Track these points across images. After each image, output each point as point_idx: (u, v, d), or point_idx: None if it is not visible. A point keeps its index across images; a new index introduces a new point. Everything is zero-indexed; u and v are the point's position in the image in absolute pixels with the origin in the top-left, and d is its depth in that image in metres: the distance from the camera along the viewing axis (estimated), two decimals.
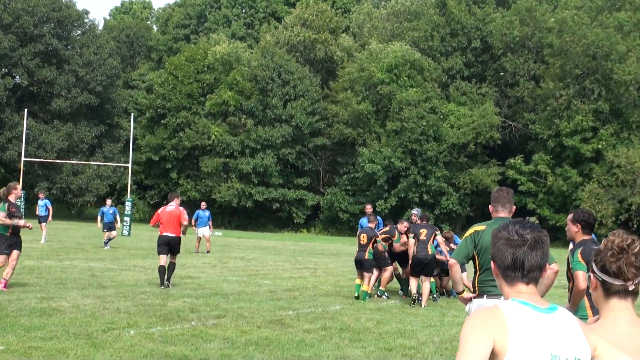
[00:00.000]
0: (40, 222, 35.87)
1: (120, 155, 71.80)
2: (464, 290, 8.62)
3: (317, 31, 75.08)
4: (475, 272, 8.45)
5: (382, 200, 64.08)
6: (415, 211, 21.77)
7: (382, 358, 11.95)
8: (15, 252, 17.94)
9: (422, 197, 64.69)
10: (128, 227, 49.78)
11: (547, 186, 62.48)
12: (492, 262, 3.63)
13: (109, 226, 34.58)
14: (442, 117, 65.89)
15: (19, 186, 18.74)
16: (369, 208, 24.36)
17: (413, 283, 19.29)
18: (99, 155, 71.59)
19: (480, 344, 3.28)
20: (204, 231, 34.69)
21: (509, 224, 3.56)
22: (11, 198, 18.16)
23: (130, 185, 58.52)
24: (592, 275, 3.87)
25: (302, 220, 69.78)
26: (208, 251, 34.46)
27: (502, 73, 69.27)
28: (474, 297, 8.44)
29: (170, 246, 20.32)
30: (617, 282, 3.80)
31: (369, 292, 19.74)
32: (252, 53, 74.41)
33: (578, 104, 62.42)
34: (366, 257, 19.56)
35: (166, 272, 20.09)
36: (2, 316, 13.87)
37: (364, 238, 19.88)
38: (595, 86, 62.71)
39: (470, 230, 8.47)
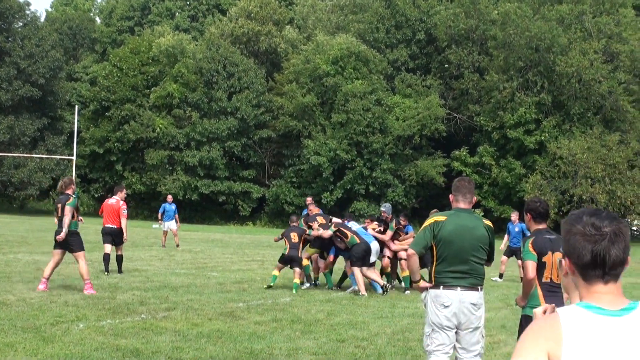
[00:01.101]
0: None
1: (64, 148, 71.12)
2: (420, 280, 8.63)
3: (261, 23, 74.88)
4: (432, 263, 8.46)
5: (328, 193, 64.10)
6: (384, 207, 21.82)
7: (335, 349, 11.94)
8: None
9: (368, 189, 64.84)
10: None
11: (491, 178, 62.92)
12: (566, 259, 3.29)
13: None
14: (387, 109, 66.02)
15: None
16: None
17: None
18: (42, 148, 70.79)
19: (533, 357, 3.06)
20: (171, 225, 33.55)
21: (582, 215, 3.24)
22: (69, 192, 17.83)
23: (75, 179, 57.89)
24: (564, 261, 3.60)
25: (248, 212, 69.55)
26: (177, 245, 33.52)
27: (446, 65, 69.57)
28: (430, 287, 8.45)
29: (112, 236, 21.52)
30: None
31: (298, 283, 19.94)
32: (196, 45, 74.02)
33: (521, 96, 62.90)
34: (299, 254, 20.13)
35: (117, 264, 21.51)
36: None
37: (295, 236, 20.23)
38: (538, 78, 63.26)
39: (430, 220, 8.46)
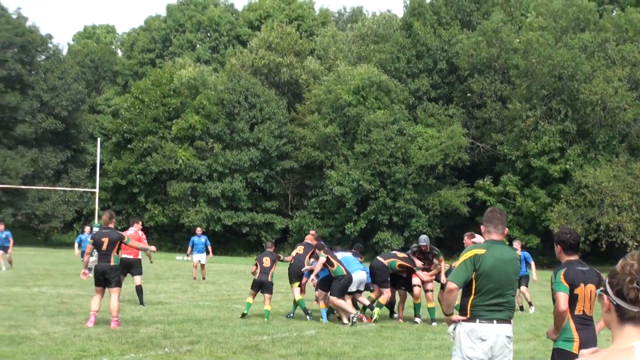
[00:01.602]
0: (4, 252, 34.88)
1: (87, 181, 71.33)
2: (452, 313, 8.47)
3: (282, 54, 75.12)
4: (468, 295, 8.30)
5: (352, 223, 63.90)
6: (424, 241, 21.43)
7: None
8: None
9: (391, 219, 64.61)
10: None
11: (516, 207, 62.53)
12: (607, 298, 3.15)
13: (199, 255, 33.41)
14: (410, 138, 65.87)
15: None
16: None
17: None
18: (65, 180, 71.03)
19: None
20: (201, 258, 33.20)
21: (628, 258, 3.10)
22: (112, 226, 18.03)
23: (98, 211, 58.08)
24: (605, 297, 3.45)
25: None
26: (203, 278, 33.29)
27: (469, 94, 69.41)
28: (464, 320, 8.28)
29: (128, 268, 21.60)
30: (634, 309, 3.44)
31: (270, 310, 20.14)
32: (218, 77, 74.32)
33: (545, 125, 62.67)
34: (269, 279, 20.28)
35: (137, 295, 21.71)
36: None
37: (267, 261, 20.45)
38: (562, 107, 63.04)
39: (470, 254, 8.30)
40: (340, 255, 21.30)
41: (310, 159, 68.06)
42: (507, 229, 8.67)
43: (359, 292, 20.95)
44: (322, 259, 19.92)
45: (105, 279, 17.25)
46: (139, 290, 21.98)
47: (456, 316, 8.40)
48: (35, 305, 20.43)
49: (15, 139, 70.33)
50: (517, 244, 25.02)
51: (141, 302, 21.77)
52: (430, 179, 65.92)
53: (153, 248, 21.78)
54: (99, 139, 62.49)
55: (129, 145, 71.93)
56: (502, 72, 67.45)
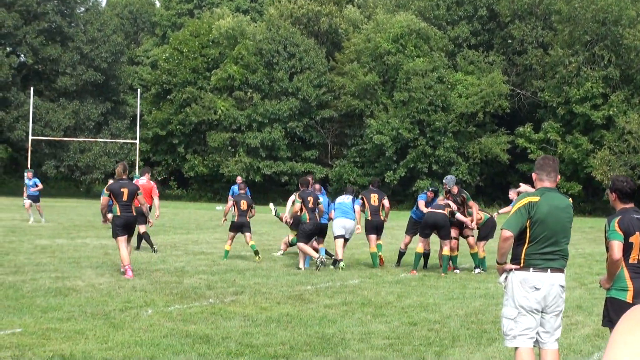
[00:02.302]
0: (33, 202, 33.68)
1: (127, 132, 71.61)
2: (505, 262, 8.33)
3: (321, 3, 74.58)
4: (521, 244, 8.15)
5: (391, 172, 63.82)
6: (447, 180, 21.25)
7: (408, 333, 11.71)
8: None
9: (431, 168, 64.48)
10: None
11: (557, 154, 61.88)
12: None
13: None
14: (449, 86, 65.53)
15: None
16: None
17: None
18: (106, 132, 71.36)
19: (630, 348, 2.72)
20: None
21: None
22: (125, 177, 18.47)
23: (138, 162, 58.38)
24: None
25: None
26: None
27: (509, 41, 68.75)
28: (517, 269, 8.15)
29: (145, 215, 21.78)
30: None
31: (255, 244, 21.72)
32: (256, 26, 73.92)
33: (588, 71, 62.01)
34: (247, 220, 21.73)
35: (137, 240, 22.93)
36: (18, 297, 13.73)
37: (244, 204, 21.78)
38: (605, 52, 62.26)
39: (524, 201, 8.16)
40: (339, 199, 21.64)
41: (350, 107, 67.88)
42: (559, 176, 8.49)
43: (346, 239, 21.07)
44: (297, 205, 20.31)
45: (129, 227, 17.72)
46: (146, 236, 22.76)
47: (509, 265, 8.26)
48: (80, 256, 20.55)
49: (56, 91, 70.66)
50: (512, 193, 24.62)
51: (138, 247, 23.07)
52: (470, 127, 65.62)
53: (156, 213, 23.79)
54: (138, 90, 62.66)
55: (168, 96, 72.06)
56: (544, 18, 66.66)
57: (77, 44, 70.63)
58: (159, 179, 75.32)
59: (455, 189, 20.66)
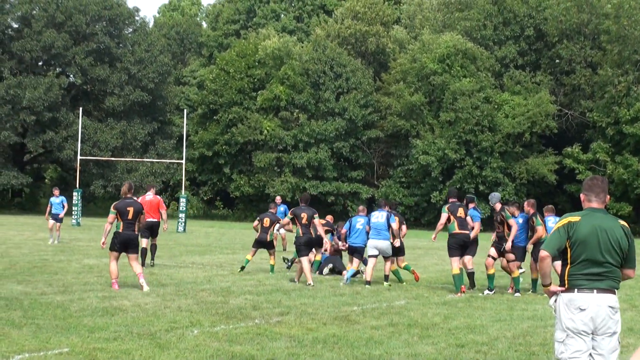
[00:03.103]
0: (56, 221, 32.97)
1: (173, 152, 72.11)
2: (550, 283, 8.22)
3: (368, 23, 74.76)
4: (564, 265, 8.05)
5: (437, 192, 63.67)
6: (491, 197, 21.17)
7: (455, 355, 11.61)
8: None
9: (477, 188, 64.19)
10: (183, 224, 49.88)
11: (606, 174, 61.38)
12: None
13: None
14: (496, 106, 65.34)
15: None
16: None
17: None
18: (152, 152, 71.88)
19: None
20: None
21: None
22: (130, 196, 19.29)
23: (184, 182, 58.65)
24: None
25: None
26: (284, 249, 32.44)
27: (557, 61, 68.44)
28: (563, 291, 8.05)
29: (151, 230, 23.83)
30: None
31: (274, 265, 23.56)
32: (302, 47, 74.24)
33: (638, 90, 61.60)
34: (268, 239, 23.09)
35: (149, 253, 23.95)
36: (65, 316, 13.78)
37: (267, 221, 23.34)
38: None
39: (564, 221, 8.06)
40: (373, 217, 21.26)
41: (396, 128, 67.98)
42: (608, 196, 8.36)
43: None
44: (286, 219, 22.09)
45: (127, 245, 18.14)
46: (154, 248, 24.28)
47: (555, 287, 8.16)
48: (126, 276, 20.60)
49: (104, 111, 71.45)
50: (515, 210, 24.46)
51: (152, 258, 24.25)
52: (517, 147, 65.37)
53: (164, 226, 24.74)
54: (185, 111, 62.96)
55: (214, 117, 72.59)
56: (592, 38, 66.34)
57: (124, 64, 71.34)
58: (205, 198, 75.84)
59: (497, 207, 20.54)
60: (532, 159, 65.19)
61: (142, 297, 16.69)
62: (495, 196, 21.05)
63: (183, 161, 57.62)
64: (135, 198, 19.27)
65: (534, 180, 65.19)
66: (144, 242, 23.09)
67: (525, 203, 21.03)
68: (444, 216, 20.21)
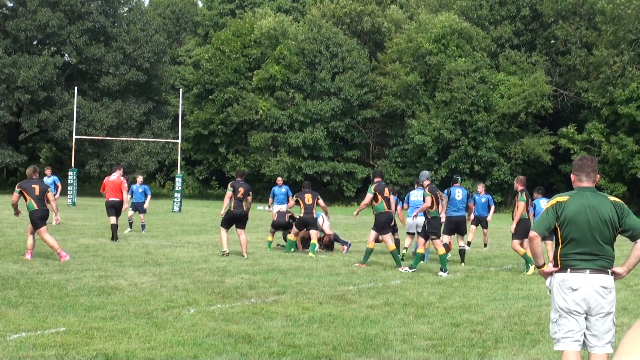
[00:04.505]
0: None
1: (169, 132, 71.97)
2: (544, 264, 8.25)
3: (363, 3, 74.59)
4: (557, 245, 8.09)
5: (433, 172, 63.62)
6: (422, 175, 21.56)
7: (450, 334, 11.64)
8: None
9: (472, 168, 64.40)
10: (179, 203, 49.89)
11: (601, 155, 61.55)
12: None
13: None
14: (492, 87, 65.42)
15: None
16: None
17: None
18: (148, 131, 71.74)
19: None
20: (281, 208, 29.21)
21: None
22: (35, 177, 20.10)
23: (180, 161, 58.58)
24: None
25: (353, 193, 69.50)
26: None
27: (552, 41, 68.46)
28: (556, 271, 8.09)
29: (115, 208, 25.13)
30: None
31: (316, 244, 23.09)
32: (298, 26, 74.05)
33: (633, 71, 61.61)
34: (245, 208, 22.14)
35: (113, 233, 25.27)
36: (62, 296, 13.82)
37: (241, 191, 22.07)
38: None
39: (552, 202, 8.12)
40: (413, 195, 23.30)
41: (392, 108, 67.98)
42: (598, 175, 8.38)
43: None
44: (228, 192, 22.18)
45: (42, 220, 19.02)
46: (115, 228, 25.28)
47: (549, 268, 8.19)
48: (122, 255, 20.67)
49: (100, 90, 71.32)
50: (480, 187, 24.65)
51: (114, 237, 25.16)
52: (513, 127, 65.53)
53: (124, 206, 25.91)
54: (180, 90, 62.76)
55: (210, 96, 72.42)
56: (588, 18, 66.33)
57: (120, 43, 71.15)
58: (200, 178, 75.80)
59: (425, 184, 20.72)
60: (528, 139, 65.31)
61: (138, 276, 16.71)
62: (424, 174, 21.29)
63: (179, 141, 57.53)
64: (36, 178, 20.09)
65: (529, 160, 65.36)
66: (112, 219, 25.12)
67: (515, 179, 21.17)
68: (369, 196, 20.68)
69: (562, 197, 8.10)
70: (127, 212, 29.97)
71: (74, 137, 56.08)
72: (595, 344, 8.05)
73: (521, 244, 20.50)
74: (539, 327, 12.40)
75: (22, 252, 20.23)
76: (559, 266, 8.07)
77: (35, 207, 18.89)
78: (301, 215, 23.45)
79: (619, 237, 8.19)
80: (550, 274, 8.16)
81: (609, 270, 8.05)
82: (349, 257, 22.55)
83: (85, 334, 10.69)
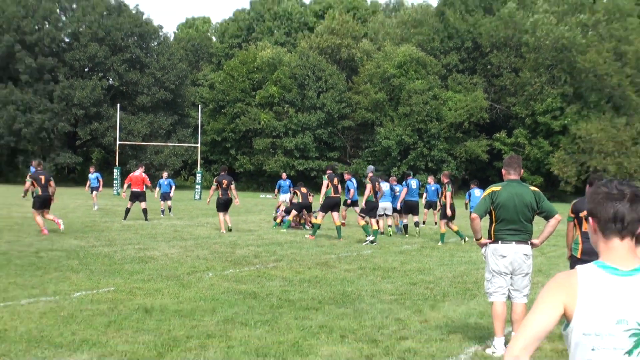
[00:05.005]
0: (92, 192, 32.20)
1: (191, 138, 71.76)
2: (481, 237, 8.41)
3: (341, 37, 74.48)
4: (491, 223, 8.26)
5: (396, 168, 63.73)
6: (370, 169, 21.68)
7: (409, 291, 11.78)
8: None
9: (427, 165, 64.38)
10: (199, 193, 49.88)
11: (525, 154, 61.87)
12: (591, 219, 2.98)
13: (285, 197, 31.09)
14: (442, 102, 65.38)
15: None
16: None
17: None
18: (174, 138, 71.50)
19: (550, 306, 2.84)
20: (286, 198, 29.94)
21: (608, 181, 2.98)
22: (40, 168, 20.06)
23: (199, 161, 58.52)
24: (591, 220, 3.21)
25: None
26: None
27: (489, 67, 68.50)
28: (490, 243, 8.27)
29: (137, 197, 25.42)
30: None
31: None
32: (291, 56, 73.88)
33: (549, 89, 62.02)
34: (229, 196, 22.26)
35: (144, 214, 25.40)
36: (111, 263, 13.90)
37: (225, 183, 22.14)
38: (562, 74, 62.32)
39: (488, 190, 8.25)
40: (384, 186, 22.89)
41: (364, 119, 68.03)
42: (522, 170, 8.57)
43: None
44: (213, 187, 22.48)
45: (46, 203, 19.46)
46: (145, 212, 25.36)
47: (484, 240, 8.36)
48: (156, 233, 20.71)
49: (136, 106, 71.03)
50: (430, 179, 24.87)
51: (146, 219, 25.14)
52: (458, 133, 65.57)
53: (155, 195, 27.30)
54: (199, 106, 62.65)
55: (222, 110, 72.26)
56: (516, 49, 66.42)
57: (151, 70, 70.91)
58: (215, 174, 75.54)
59: (369, 175, 20.89)
60: (469, 142, 65.36)
61: (168, 248, 16.77)
62: (369, 168, 21.50)
63: (198, 145, 57.39)
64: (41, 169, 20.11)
65: (471, 158, 65.41)
66: (129, 204, 25.71)
67: (442, 174, 21.18)
68: (325, 183, 20.85)
69: (496, 187, 8.24)
70: (159, 202, 30.08)
71: (118, 142, 55.87)
72: (516, 296, 8.26)
73: (447, 224, 20.69)
74: (476, 284, 12.55)
75: (83, 231, 20.30)
76: (492, 239, 8.24)
77: (40, 192, 19.24)
78: (300, 201, 24.22)
79: (537, 217, 8.40)
80: (485, 244, 8.35)
81: (529, 242, 8.24)
82: (330, 232, 22.69)
83: (129, 292, 10.80)
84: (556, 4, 65.69)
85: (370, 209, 20.07)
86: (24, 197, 21.08)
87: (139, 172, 25.83)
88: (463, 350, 7.96)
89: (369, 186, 20.19)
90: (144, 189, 25.69)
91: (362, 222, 19.84)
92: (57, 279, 11.84)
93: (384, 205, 22.46)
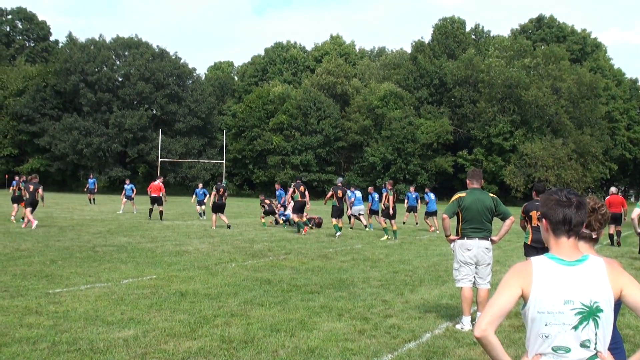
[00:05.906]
0: (129, 200, 31.52)
1: (217, 156, 71.63)
2: (450, 234, 8.25)
3: (336, 77, 74.52)
4: (458, 222, 8.10)
5: (380, 179, 63.66)
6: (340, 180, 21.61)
7: (392, 278, 11.62)
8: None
9: (405, 177, 64.29)
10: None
11: (483, 167, 61.83)
12: (544, 220, 2.95)
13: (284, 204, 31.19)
14: (416, 127, 65.35)
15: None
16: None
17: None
18: (204, 156, 71.41)
19: (511, 289, 2.85)
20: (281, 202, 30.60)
21: (558, 190, 2.95)
22: (35, 180, 20.31)
23: (224, 174, 58.38)
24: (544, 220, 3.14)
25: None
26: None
27: (452, 99, 68.59)
28: (458, 239, 8.10)
29: (155, 200, 25.34)
30: (586, 231, 3.29)
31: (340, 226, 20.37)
32: (297, 91, 73.88)
33: (500, 117, 62.01)
34: (224, 201, 21.97)
35: (160, 215, 25.22)
36: (153, 256, 13.74)
37: (221, 190, 21.84)
38: (511, 105, 62.35)
39: (456, 196, 8.12)
40: (358, 193, 23.55)
41: (354, 140, 67.97)
42: (483, 180, 8.42)
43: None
44: (213, 192, 21.93)
45: (31, 205, 19.61)
46: (162, 213, 25.23)
47: (453, 236, 8.21)
48: (189, 232, 20.55)
49: (174, 131, 70.91)
50: (412, 188, 24.54)
51: (162, 219, 25.02)
52: (429, 151, 65.53)
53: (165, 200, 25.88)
54: (224, 131, 62.69)
55: (242, 134, 72.19)
56: (474, 85, 66.49)
57: (187, 102, 70.83)
58: (237, 184, 75.47)
59: (339, 183, 21.00)
60: (438, 158, 65.33)
61: (199, 244, 16.61)
62: (338, 179, 21.42)
63: (223, 161, 57.49)
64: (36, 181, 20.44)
65: (439, 171, 65.35)
66: (152, 207, 25.78)
67: (387, 182, 20.95)
68: (290, 190, 21.38)
69: (462, 194, 8.10)
70: (195, 207, 30.03)
71: (159, 159, 55.81)
72: (481, 282, 8.09)
73: (390, 222, 20.45)
74: (447, 273, 12.38)
75: (129, 231, 20.12)
76: (459, 235, 8.08)
77: (28, 197, 19.66)
78: (298, 199, 21.42)
79: (495, 219, 8.24)
80: (454, 240, 8.17)
81: (489, 238, 8.08)
82: (329, 231, 22.52)
83: (167, 279, 10.64)
84: (505, 50, 66.05)
85: (335, 213, 20.24)
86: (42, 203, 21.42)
87: (158, 182, 25.82)
88: (437, 326, 7.80)
89: (329, 193, 20.71)
90: (160, 195, 25.54)
91: (334, 222, 20.15)
92: (109, 269, 11.66)
93: (358, 208, 23.39)
